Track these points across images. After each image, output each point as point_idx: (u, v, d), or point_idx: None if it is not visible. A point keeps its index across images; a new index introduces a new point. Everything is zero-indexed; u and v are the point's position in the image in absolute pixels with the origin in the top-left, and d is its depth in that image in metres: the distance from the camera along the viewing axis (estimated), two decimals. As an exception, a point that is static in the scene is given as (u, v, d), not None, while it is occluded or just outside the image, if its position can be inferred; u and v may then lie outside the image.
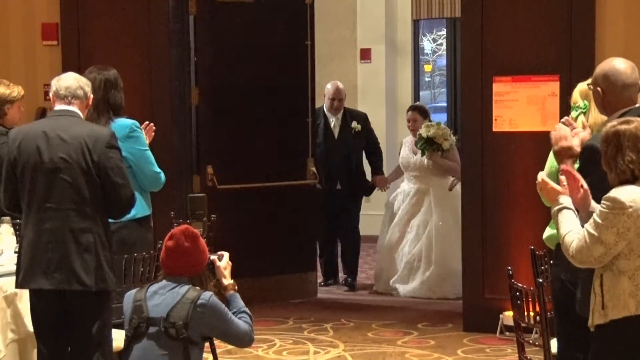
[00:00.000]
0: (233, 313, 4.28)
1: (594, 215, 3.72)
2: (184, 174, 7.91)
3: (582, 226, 3.79)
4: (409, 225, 8.65)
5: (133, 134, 5.51)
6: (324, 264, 9.03)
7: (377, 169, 8.97)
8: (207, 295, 4.18)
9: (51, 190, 4.55)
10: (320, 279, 8.96)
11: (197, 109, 8.01)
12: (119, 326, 5.09)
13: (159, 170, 5.63)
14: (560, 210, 3.87)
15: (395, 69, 12.17)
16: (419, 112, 8.81)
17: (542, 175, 4.03)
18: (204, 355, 6.69)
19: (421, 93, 13.98)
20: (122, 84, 5.63)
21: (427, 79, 19.72)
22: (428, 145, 8.45)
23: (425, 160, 8.53)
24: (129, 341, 4.17)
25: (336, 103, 8.80)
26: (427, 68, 19.74)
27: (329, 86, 8.87)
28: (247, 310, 4.35)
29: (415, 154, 8.63)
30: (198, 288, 4.20)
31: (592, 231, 3.71)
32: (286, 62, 8.29)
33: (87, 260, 4.53)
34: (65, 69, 7.72)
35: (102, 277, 4.56)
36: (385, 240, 8.75)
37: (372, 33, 11.96)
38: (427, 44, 18.97)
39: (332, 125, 8.82)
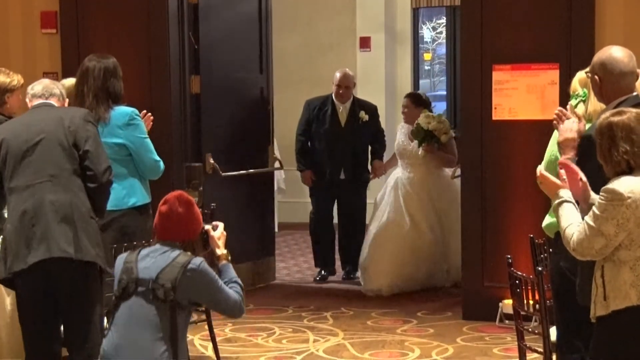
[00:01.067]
0: (224, 283, 4.25)
1: (593, 208, 3.73)
2: (183, 163, 7.91)
3: (583, 218, 3.79)
4: (405, 215, 8.31)
5: (133, 122, 5.52)
6: (320, 251, 8.86)
7: (377, 156, 8.83)
8: (198, 261, 4.16)
9: (29, 167, 4.64)
10: (314, 273, 8.87)
11: (197, 98, 8.00)
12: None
13: (158, 158, 5.64)
14: (560, 203, 3.88)
15: (394, 57, 12.15)
16: (412, 100, 8.61)
17: (540, 169, 4.04)
18: (204, 343, 6.72)
19: (421, 81, 13.97)
20: (122, 72, 5.64)
21: (426, 68, 19.70)
22: (427, 137, 8.23)
23: (420, 151, 8.31)
24: (117, 300, 4.18)
25: (342, 90, 8.62)
26: (427, 56, 19.71)
27: (337, 73, 8.71)
28: (239, 280, 4.32)
29: (412, 142, 8.42)
30: (189, 254, 4.19)
31: (592, 223, 3.71)
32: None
33: (66, 230, 4.57)
34: (64, 57, 7.75)
35: (80, 247, 4.58)
36: (377, 229, 8.42)
37: (372, 21, 11.94)
38: (426, 33, 18.95)
39: (339, 113, 8.66)
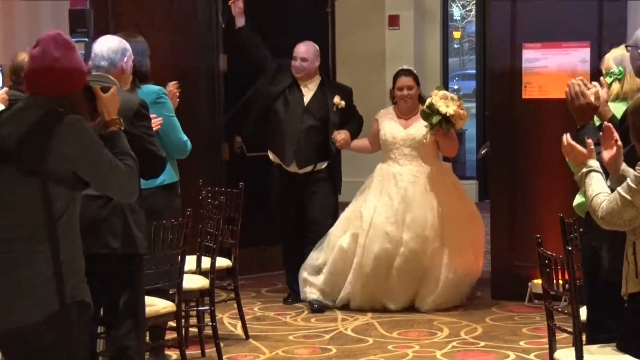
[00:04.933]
0: (114, 154, 3.50)
1: (628, 180, 3.70)
2: (212, 142, 7.92)
3: (611, 190, 3.77)
4: (405, 219, 6.94)
5: (160, 100, 5.51)
6: (289, 271, 7.39)
7: (348, 129, 7.23)
8: (73, 120, 3.36)
9: None
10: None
11: (226, 77, 8.00)
12: (152, 292, 5.14)
13: (185, 138, 5.63)
14: (588, 172, 3.85)
15: (423, 35, 12.09)
16: (414, 78, 7.17)
17: (567, 138, 3.99)
18: (233, 322, 6.75)
19: (450, 60, 13.89)
20: (150, 51, 5.63)
21: (455, 46, 19.61)
22: (445, 122, 6.85)
23: (428, 136, 6.93)
24: None
25: (298, 63, 7.20)
26: (456, 35, 19.63)
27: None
28: (132, 153, 3.59)
29: (406, 128, 7.10)
30: (63, 111, 3.37)
31: (625, 194, 3.69)
32: (306, 30, 7.82)
33: (114, 223, 4.46)
34: (95, 35, 7.75)
35: (131, 241, 4.48)
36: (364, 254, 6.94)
37: (401, -1, 11.88)
38: (456, 10, 18.85)
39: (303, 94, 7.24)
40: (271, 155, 7.29)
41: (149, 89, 5.51)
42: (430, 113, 6.87)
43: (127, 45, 4.69)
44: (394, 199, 6.95)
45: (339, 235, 7.05)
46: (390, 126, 7.14)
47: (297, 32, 7.66)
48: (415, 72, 7.25)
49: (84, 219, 4.44)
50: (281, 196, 7.26)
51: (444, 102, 6.85)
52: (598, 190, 3.79)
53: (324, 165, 7.20)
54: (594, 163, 3.87)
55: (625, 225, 3.74)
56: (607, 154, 3.86)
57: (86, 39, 6.21)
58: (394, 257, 6.88)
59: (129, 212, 4.49)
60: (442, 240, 6.93)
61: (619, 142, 3.86)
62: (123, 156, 3.53)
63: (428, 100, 6.91)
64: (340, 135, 7.10)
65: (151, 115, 5.05)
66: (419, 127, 7.02)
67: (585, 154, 3.90)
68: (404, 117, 7.14)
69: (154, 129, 5.61)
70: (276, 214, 7.33)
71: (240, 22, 7.29)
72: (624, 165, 3.87)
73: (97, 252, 4.44)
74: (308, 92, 7.21)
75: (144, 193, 5.30)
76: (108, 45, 4.61)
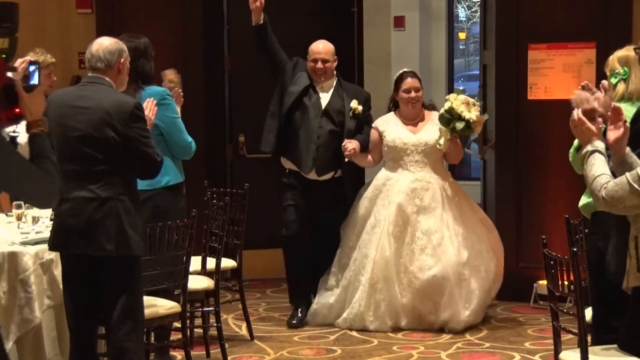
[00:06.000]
0: (33, 157, 3.29)
1: (638, 169, 3.71)
2: (217, 143, 7.93)
3: (611, 172, 3.79)
4: (417, 232, 6.49)
5: (164, 102, 5.48)
6: (293, 285, 6.87)
7: (360, 139, 6.69)
8: None
9: (72, 158, 4.49)
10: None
11: (230, 78, 8.01)
12: (157, 293, 5.14)
13: (190, 139, 5.60)
14: (592, 152, 3.86)
15: (429, 36, 12.08)
16: (419, 80, 6.76)
17: (578, 113, 3.98)
18: (238, 322, 6.74)
19: (455, 61, 13.89)
20: (154, 52, 5.60)
21: (461, 47, 19.61)
22: (467, 128, 6.48)
23: (442, 141, 6.55)
24: None
25: (320, 65, 6.67)
26: (462, 36, 19.61)
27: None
28: (53, 158, 3.35)
29: (415, 133, 6.68)
30: None
31: (633, 182, 3.71)
32: (330, 29, 7.71)
33: (108, 226, 4.44)
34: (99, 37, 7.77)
35: (126, 243, 4.47)
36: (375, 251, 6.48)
37: (406, 0, 11.87)
38: (461, 11, 18.84)
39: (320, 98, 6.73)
40: (286, 162, 6.73)
41: (153, 90, 5.49)
42: (450, 118, 6.45)
43: (124, 47, 4.65)
44: (406, 209, 6.51)
45: (351, 249, 6.63)
46: (397, 132, 6.66)
47: (318, 32, 7.16)
48: (419, 75, 6.82)
49: (79, 222, 4.47)
50: (297, 205, 6.67)
51: (466, 107, 6.46)
52: (601, 171, 3.80)
53: (341, 172, 6.71)
54: (599, 144, 3.88)
55: (624, 210, 3.76)
56: (612, 134, 3.86)
57: (11, 34, 5.78)
58: (411, 273, 6.43)
59: (124, 214, 4.48)
60: (466, 252, 6.48)
61: (627, 124, 3.86)
62: (41, 159, 3.31)
63: (447, 105, 6.47)
64: (352, 145, 6.53)
65: (153, 106, 5.07)
66: (429, 132, 6.64)
67: (594, 132, 3.90)
68: (411, 122, 6.70)
69: (178, 102, 5.64)
70: (291, 224, 6.71)
71: (257, 17, 6.58)
72: (627, 149, 3.87)
73: (93, 255, 4.47)
74: (325, 95, 6.69)
75: (148, 194, 5.33)
76: (104, 46, 4.58)
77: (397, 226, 6.48)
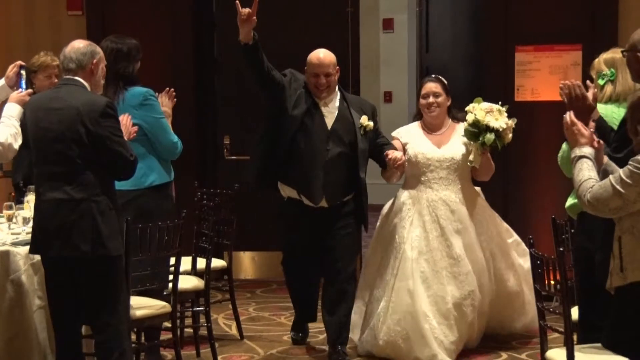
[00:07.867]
0: None
1: (621, 172, 3.80)
2: (206, 144, 7.96)
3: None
4: (451, 254, 5.84)
5: (147, 102, 5.45)
6: (300, 306, 6.29)
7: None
8: None
9: (47, 159, 4.51)
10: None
11: (219, 79, 8.04)
12: (146, 293, 5.17)
13: (175, 139, 5.56)
14: (581, 157, 3.96)
15: (417, 38, 12.11)
16: (443, 86, 6.02)
17: (570, 115, 4.07)
18: (228, 322, 6.77)
19: (443, 63, 13.94)
20: (141, 54, 5.54)
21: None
22: (498, 139, 5.83)
23: (473, 158, 5.90)
24: None
25: (322, 80, 5.78)
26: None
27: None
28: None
29: (440, 147, 6.00)
30: None
31: (616, 185, 3.80)
32: (326, 31, 7.57)
33: (82, 227, 4.44)
34: (89, 39, 7.76)
35: (101, 243, 4.45)
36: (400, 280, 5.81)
37: (395, 2, 11.92)
38: (449, 14, 18.82)
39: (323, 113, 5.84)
40: (285, 190, 5.88)
41: (136, 91, 5.45)
42: (477, 132, 5.80)
43: (97, 48, 4.66)
44: (430, 232, 5.86)
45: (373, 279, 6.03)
46: (421, 144, 5.97)
47: (312, 36, 6.92)
48: (445, 81, 6.03)
49: (53, 224, 4.48)
50: (302, 235, 5.92)
51: (492, 116, 5.82)
52: (588, 176, 3.91)
53: (350, 196, 5.85)
54: (588, 150, 3.98)
55: (609, 212, 3.86)
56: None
57: None
58: (437, 307, 5.79)
59: (99, 215, 4.46)
60: (498, 286, 6.08)
61: (602, 142, 4.03)
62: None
63: (470, 118, 5.80)
64: (399, 154, 5.75)
65: (128, 122, 4.95)
66: (456, 145, 5.98)
67: (586, 136, 4.00)
68: (434, 132, 6.04)
69: (171, 101, 5.64)
70: (293, 252, 6.06)
71: (247, 36, 5.48)
72: (606, 159, 4.04)
73: (69, 256, 4.47)
74: (329, 113, 5.79)
75: (132, 194, 5.31)
76: (75, 47, 4.60)
77: (422, 254, 5.82)
